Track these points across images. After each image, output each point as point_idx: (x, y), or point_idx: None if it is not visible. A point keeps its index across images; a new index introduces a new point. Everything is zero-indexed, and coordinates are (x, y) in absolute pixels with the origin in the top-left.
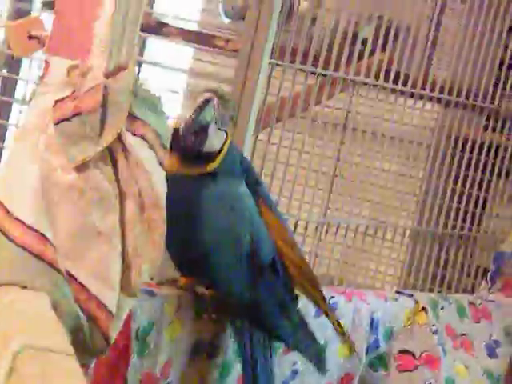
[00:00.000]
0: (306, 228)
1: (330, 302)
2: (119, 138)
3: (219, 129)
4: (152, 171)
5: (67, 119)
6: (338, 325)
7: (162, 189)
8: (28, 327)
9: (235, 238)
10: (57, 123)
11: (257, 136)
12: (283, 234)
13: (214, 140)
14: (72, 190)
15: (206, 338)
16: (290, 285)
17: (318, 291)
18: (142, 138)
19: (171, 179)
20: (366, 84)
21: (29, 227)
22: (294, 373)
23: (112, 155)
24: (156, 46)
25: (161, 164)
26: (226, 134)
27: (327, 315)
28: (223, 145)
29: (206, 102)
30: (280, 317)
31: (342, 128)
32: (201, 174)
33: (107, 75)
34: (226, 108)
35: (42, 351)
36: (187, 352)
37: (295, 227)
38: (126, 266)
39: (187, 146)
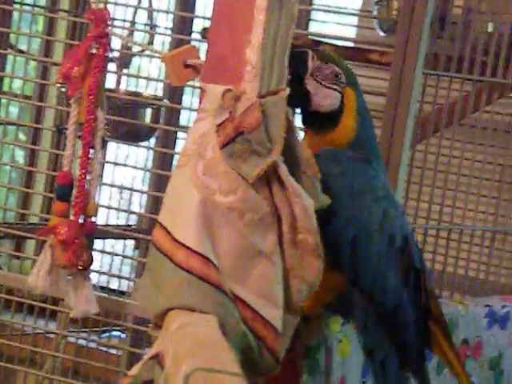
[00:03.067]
0: (471, 236)
1: (503, 311)
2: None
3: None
4: (303, 196)
5: (231, 141)
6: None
7: (313, 214)
8: (198, 350)
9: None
10: (222, 147)
11: (414, 148)
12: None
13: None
14: (231, 211)
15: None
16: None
17: (453, 349)
18: None
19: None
20: None
21: (192, 250)
22: None
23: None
24: None
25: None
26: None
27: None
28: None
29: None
30: (414, 333)
31: (503, 133)
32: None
33: (260, 97)
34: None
35: (211, 372)
36: (359, 371)
37: (460, 236)
38: (285, 285)
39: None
